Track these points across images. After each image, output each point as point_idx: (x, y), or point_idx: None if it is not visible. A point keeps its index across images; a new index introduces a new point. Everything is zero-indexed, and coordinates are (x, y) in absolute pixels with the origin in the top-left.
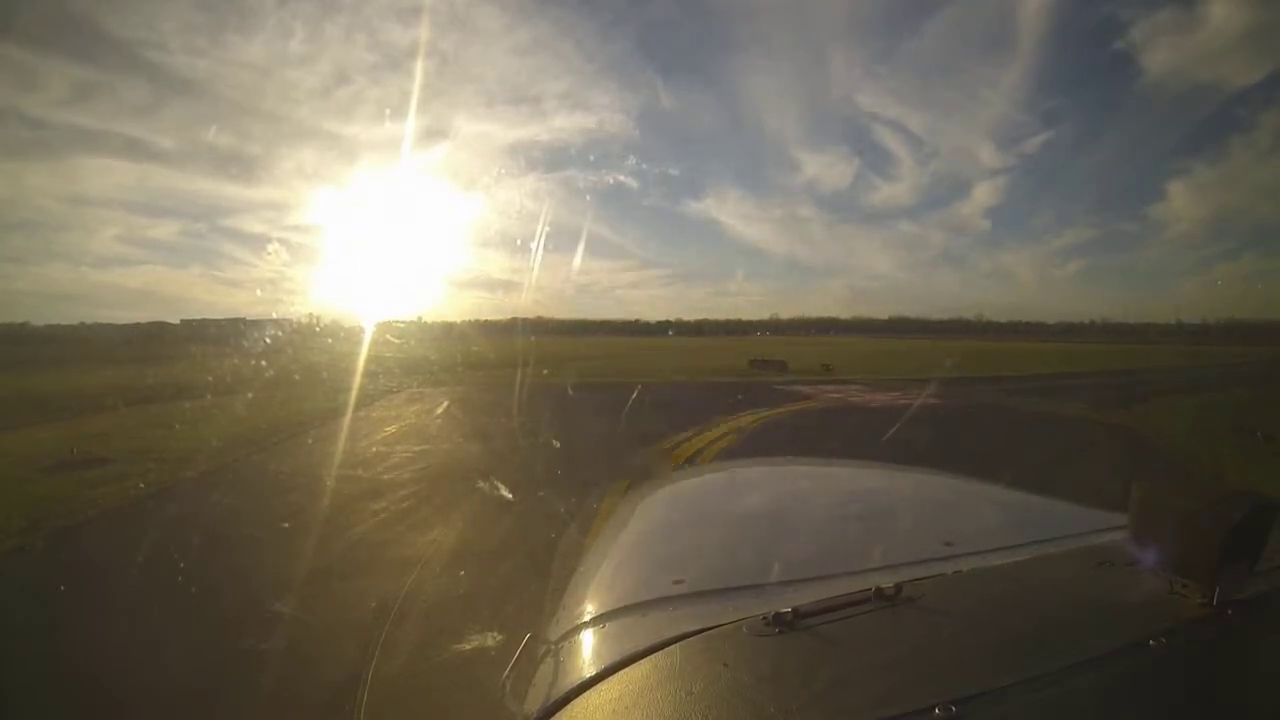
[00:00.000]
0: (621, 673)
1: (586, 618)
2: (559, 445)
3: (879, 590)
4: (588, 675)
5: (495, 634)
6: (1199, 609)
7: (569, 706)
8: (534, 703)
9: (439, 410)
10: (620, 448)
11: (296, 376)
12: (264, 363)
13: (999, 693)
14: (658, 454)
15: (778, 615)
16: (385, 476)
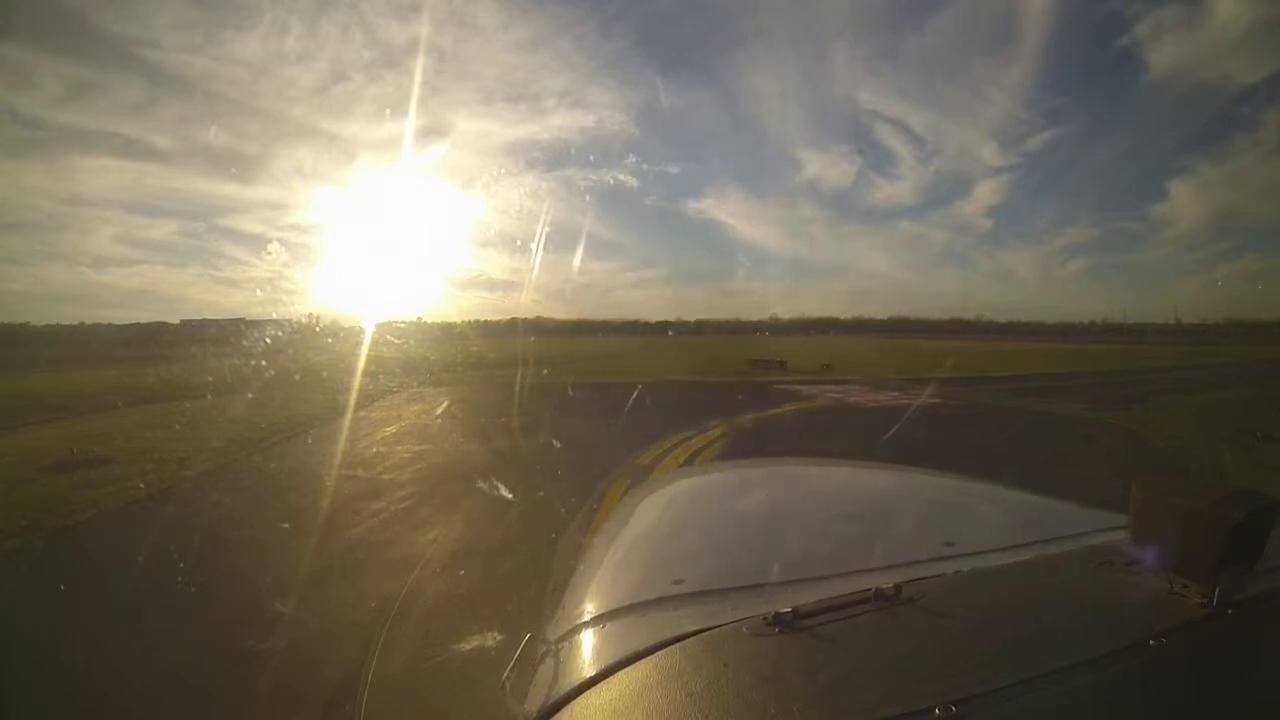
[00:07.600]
0: (621, 673)
1: (586, 618)
2: (559, 445)
3: (879, 590)
4: (588, 675)
5: (495, 634)
6: (1199, 609)
7: (569, 706)
8: (534, 703)
9: (439, 410)
10: (620, 447)
11: (296, 376)
12: (264, 363)
13: (999, 693)
14: (659, 453)
15: (778, 615)
16: (385, 477)
